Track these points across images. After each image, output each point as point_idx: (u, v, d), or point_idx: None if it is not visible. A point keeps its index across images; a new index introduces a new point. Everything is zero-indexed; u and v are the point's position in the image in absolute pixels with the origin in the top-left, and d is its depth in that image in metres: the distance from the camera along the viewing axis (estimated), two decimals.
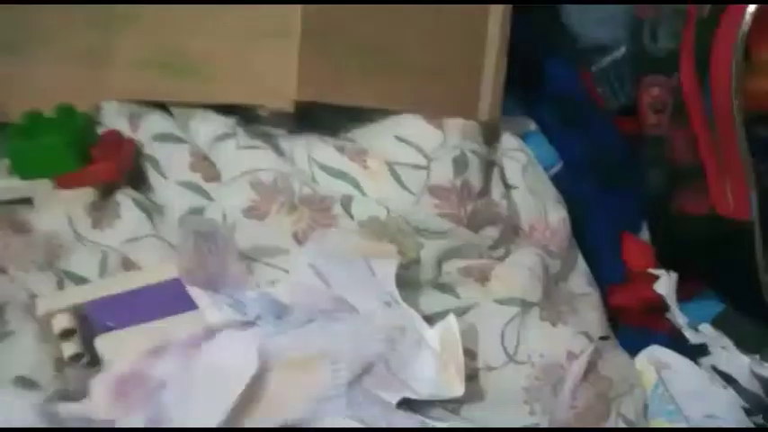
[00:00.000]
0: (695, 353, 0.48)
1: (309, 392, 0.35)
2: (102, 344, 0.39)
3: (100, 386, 0.36)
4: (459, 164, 0.46)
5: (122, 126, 0.50)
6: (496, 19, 0.50)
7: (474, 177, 0.47)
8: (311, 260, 0.40)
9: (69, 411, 0.36)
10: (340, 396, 0.36)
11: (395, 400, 0.38)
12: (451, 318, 0.41)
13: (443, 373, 0.38)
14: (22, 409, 0.36)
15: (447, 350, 0.39)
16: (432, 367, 0.38)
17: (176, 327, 0.37)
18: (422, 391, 0.38)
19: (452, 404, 0.40)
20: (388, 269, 0.40)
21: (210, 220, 0.44)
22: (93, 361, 0.42)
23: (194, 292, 0.38)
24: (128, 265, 0.45)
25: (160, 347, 0.36)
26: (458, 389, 0.39)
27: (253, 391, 0.35)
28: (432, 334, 0.40)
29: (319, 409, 0.35)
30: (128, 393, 0.35)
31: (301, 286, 0.39)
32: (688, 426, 0.45)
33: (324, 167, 0.46)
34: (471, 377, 0.42)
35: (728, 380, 0.47)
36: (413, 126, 0.47)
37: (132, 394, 0.35)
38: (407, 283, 0.43)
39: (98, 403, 0.36)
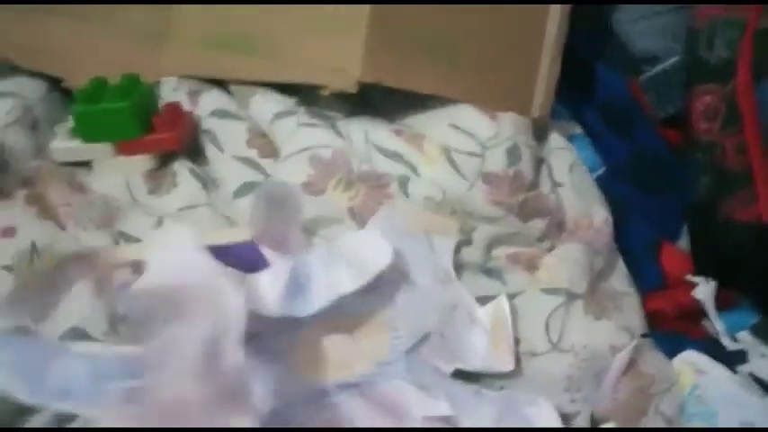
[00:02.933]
0: (733, 360, 0.49)
1: (372, 356, 0.36)
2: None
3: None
4: (513, 154, 0.47)
5: (182, 101, 0.51)
6: (554, 20, 0.51)
7: (526, 168, 0.48)
8: (376, 232, 0.41)
9: (138, 351, 0.37)
10: (399, 361, 0.36)
11: (449, 370, 0.39)
12: (503, 298, 0.42)
13: (494, 349, 0.39)
14: None
15: (497, 328, 0.40)
16: (483, 343, 0.39)
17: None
18: (474, 363, 0.39)
19: (499, 383, 0.41)
20: (446, 246, 0.41)
21: (285, 185, 0.45)
22: None
23: (268, 254, 0.39)
24: None
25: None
26: (508, 364, 0.39)
27: (319, 349, 0.35)
28: (483, 312, 0.41)
29: (381, 372, 0.36)
30: None
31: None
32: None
33: (381, 149, 0.47)
34: (515, 364, 0.43)
35: (767, 388, 0.47)
36: (468, 116, 0.48)
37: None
38: (458, 264, 0.44)
39: None
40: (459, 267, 0.45)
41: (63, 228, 0.46)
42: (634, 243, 0.55)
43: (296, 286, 0.38)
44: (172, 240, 0.40)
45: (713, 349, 0.50)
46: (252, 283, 0.38)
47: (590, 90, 0.59)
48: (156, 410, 0.34)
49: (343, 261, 0.39)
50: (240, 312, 0.35)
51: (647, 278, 0.54)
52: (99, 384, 0.36)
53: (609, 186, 0.55)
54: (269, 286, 0.38)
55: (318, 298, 0.38)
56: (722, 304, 0.53)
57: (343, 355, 0.36)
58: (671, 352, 0.49)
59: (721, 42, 0.51)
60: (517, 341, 0.44)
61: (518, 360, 0.43)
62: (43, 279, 0.42)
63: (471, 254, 0.46)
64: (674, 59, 0.57)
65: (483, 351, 0.40)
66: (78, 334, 0.42)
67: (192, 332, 0.35)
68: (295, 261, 0.39)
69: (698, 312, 0.53)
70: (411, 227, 0.43)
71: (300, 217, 0.43)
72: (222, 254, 0.39)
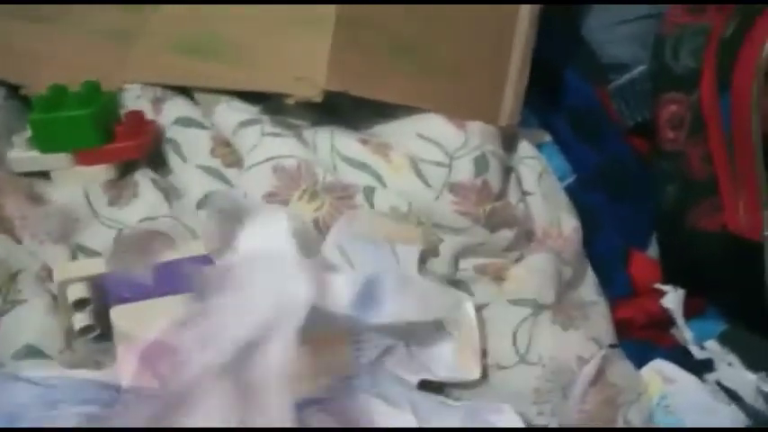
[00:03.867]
0: (701, 368, 0.49)
1: (334, 369, 0.36)
2: (118, 315, 0.39)
3: (128, 354, 0.36)
4: (480, 164, 0.47)
5: (145, 109, 0.51)
6: (523, 26, 0.51)
7: (493, 178, 0.47)
8: (338, 241, 0.40)
9: (95, 377, 0.36)
10: (364, 374, 0.36)
11: (415, 380, 0.38)
12: (468, 304, 0.41)
13: (460, 357, 0.39)
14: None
15: (464, 335, 0.40)
16: (449, 351, 0.39)
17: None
18: (439, 373, 0.39)
19: (467, 395, 0.40)
20: (410, 254, 0.41)
21: (236, 197, 0.44)
22: (104, 334, 0.42)
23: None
24: None
25: (186, 319, 0.36)
26: (474, 372, 0.39)
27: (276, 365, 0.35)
28: (448, 319, 0.40)
29: (345, 386, 0.36)
30: (155, 363, 0.35)
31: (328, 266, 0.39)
32: None
33: (346, 158, 0.47)
34: (482, 375, 0.43)
35: (733, 396, 0.47)
36: (435, 125, 0.48)
37: (159, 364, 0.34)
38: (424, 276, 0.43)
39: (125, 371, 0.35)
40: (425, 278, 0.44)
41: (19, 241, 0.44)
42: (603, 251, 0.55)
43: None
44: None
45: (682, 358, 0.50)
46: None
47: (559, 97, 0.59)
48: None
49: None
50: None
51: (616, 286, 0.54)
52: (51, 410, 0.35)
53: (578, 194, 0.54)
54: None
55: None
56: (691, 312, 0.53)
57: (304, 369, 0.35)
58: (640, 360, 0.49)
59: (687, 51, 0.51)
60: (484, 353, 0.43)
61: (485, 373, 0.43)
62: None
63: (438, 265, 0.45)
64: (642, 68, 0.57)
65: (449, 360, 0.40)
66: (33, 351, 0.40)
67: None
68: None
69: (667, 321, 0.53)
70: (373, 234, 0.42)
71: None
72: (175, 269, 0.39)
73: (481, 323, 0.43)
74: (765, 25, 0.45)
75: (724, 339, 0.49)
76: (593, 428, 0.43)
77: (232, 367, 0.33)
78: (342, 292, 0.37)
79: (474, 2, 0.49)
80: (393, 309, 0.38)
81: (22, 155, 0.48)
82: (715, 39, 0.48)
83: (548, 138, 0.57)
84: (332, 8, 0.44)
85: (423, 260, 0.43)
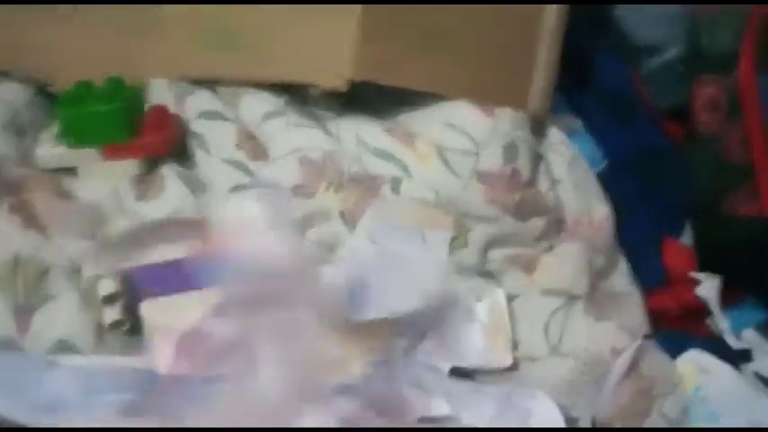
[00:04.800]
0: (738, 358, 0.48)
1: (369, 355, 0.36)
2: (148, 309, 0.39)
3: (163, 342, 0.36)
4: (510, 151, 0.46)
5: (169, 103, 0.51)
6: (552, 11, 0.49)
7: (523, 166, 0.47)
8: (369, 228, 0.40)
9: (131, 363, 0.36)
10: (397, 360, 0.36)
11: (446, 368, 0.38)
12: (499, 292, 0.41)
13: (492, 344, 0.39)
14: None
15: (495, 323, 0.40)
16: (480, 338, 0.39)
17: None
18: (472, 360, 0.39)
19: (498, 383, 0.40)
20: (441, 239, 0.40)
21: (273, 188, 0.44)
22: (134, 328, 0.42)
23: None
24: None
25: (221, 306, 0.36)
26: (506, 359, 0.39)
27: (316, 350, 0.35)
28: (480, 307, 0.40)
29: (378, 372, 0.36)
30: (191, 351, 0.35)
31: (358, 252, 0.39)
32: None
33: (372, 149, 0.46)
34: (514, 367, 0.42)
35: None
36: (463, 112, 0.47)
37: (195, 352, 0.35)
38: (453, 267, 0.43)
39: (161, 359, 0.36)
40: (454, 269, 0.43)
41: (48, 237, 0.45)
42: (636, 239, 0.53)
43: (350, 294, 0.38)
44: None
45: (718, 348, 0.49)
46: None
47: (591, 80, 0.57)
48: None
49: (400, 278, 0.39)
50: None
51: (650, 275, 0.53)
52: (90, 398, 0.36)
53: (610, 181, 0.53)
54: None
55: (370, 309, 0.37)
56: (727, 301, 0.52)
57: (339, 355, 0.36)
58: (675, 351, 0.48)
59: (723, 31, 0.49)
60: (516, 345, 0.43)
61: (517, 365, 0.42)
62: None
63: (467, 256, 0.44)
64: (675, 50, 0.56)
65: (480, 347, 0.40)
66: (65, 347, 0.41)
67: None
68: (350, 268, 0.39)
69: (702, 310, 0.51)
70: (404, 221, 0.42)
71: (289, 219, 0.42)
72: (204, 263, 0.39)
73: (512, 315, 0.43)
74: None
75: (763, 329, 0.48)
76: (616, 428, 0.42)
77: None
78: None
79: None
80: (374, 302, 0.38)
81: (50, 151, 0.48)
82: (755, 19, 0.46)
83: (579, 124, 0.56)
84: (357, 3, 0.44)
85: (452, 251, 0.43)
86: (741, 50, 0.47)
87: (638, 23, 0.58)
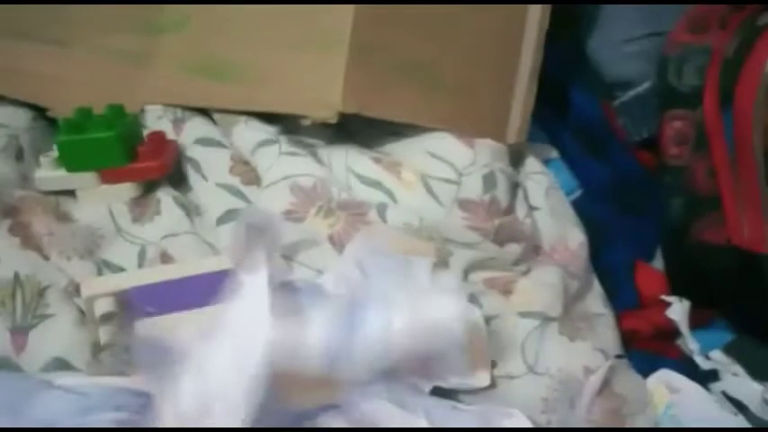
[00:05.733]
0: (706, 378, 0.50)
1: (349, 378, 0.37)
2: (142, 329, 0.41)
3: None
4: (489, 181, 0.49)
5: (166, 129, 0.53)
6: (530, 44, 0.52)
7: (501, 195, 0.49)
8: (356, 254, 0.42)
9: (126, 384, 0.37)
10: (378, 382, 0.37)
11: (427, 388, 0.40)
12: (477, 312, 0.43)
13: (470, 364, 0.40)
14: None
15: (473, 342, 0.41)
16: (459, 358, 0.40)
17: (218, 316, 0.39)
18: (450, 380, 0.40)
19: (477, 401, 0.42)
20: (423, 266, 0.42)
21: (265, 213, 0.45)
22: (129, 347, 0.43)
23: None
24: (165, 259, 0.47)
25: (209, 332, 0.37)
26: (483, 379, 0.41)
27: (293, 376, 0.36)
28: (459, 329, 0.41)
29: (361, 394, 0.37)
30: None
31: (344, 278, 0.41)
32: None
33: (360, 176, 0.48)
34: (492, 386, 0.44)
35: (739, 406, 0.48)
36: (445, 143, 0.50)
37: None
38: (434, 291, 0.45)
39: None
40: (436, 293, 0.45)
41: (46, 258, 0.46)
42: (611, 263, 0.56)
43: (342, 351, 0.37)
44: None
45: (688, 368, 0.51)
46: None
47: (566, 113, 0.60)
48: None
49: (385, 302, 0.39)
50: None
51: (623, 298, 0.55)
52: (85, 417, 0.37)
53: (586, 208, 0.56)
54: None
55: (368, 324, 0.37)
56: (697, 323, 0.54)
57: (319, 378, 0.37)
58: (646, 371, 0.50)
59: (690, 70, 0.52)
60: (494, 364, 0.45)
61: (494, 383, 0.44)
62: None
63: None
64: (647, 84, 0.59)
65: (460, 367, 0.41)
66: (61, 364, 0.42)
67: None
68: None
69: (672, 332, 0.53)
70: (389, 248, 0.43)
71: (280, 243, 0.44)
72: (197, 284, 0.40)
73: (490, 335, 0.45)
74: (766, 45, 0.46)
75: (729, 350, 0.50)
76: (592, 428, 0.44)
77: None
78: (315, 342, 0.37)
79: (481, 22, 0.50)
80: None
81: (49, 174, 0.50)
82: (717, 58, 0.49)
83: (555, 153, 0.59)
84: (346, 30, 0.46)
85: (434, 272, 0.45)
86: (706, 86, 0.49)
87: (611, 60, 0.61)
